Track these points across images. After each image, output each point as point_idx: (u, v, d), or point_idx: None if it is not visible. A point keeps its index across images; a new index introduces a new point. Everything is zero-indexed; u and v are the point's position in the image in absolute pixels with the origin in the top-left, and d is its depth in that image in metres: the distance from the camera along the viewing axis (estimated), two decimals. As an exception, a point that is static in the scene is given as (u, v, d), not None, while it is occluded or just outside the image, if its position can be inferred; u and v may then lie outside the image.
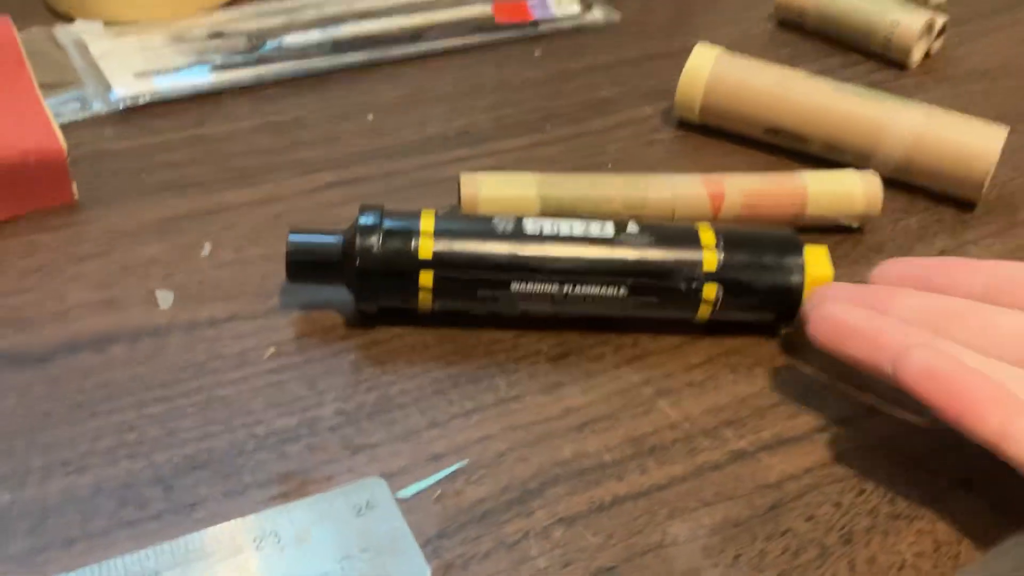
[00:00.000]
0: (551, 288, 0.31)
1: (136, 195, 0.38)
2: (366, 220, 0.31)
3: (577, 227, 0.32)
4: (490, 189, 0.37)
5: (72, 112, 0.42)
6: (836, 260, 0.37)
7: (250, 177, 0.40)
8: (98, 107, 0.43)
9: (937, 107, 0.41)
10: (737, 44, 0.52)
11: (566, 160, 0.42)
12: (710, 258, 0.31)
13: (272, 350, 0.31)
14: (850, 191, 0.38)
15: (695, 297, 0.32)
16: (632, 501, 0.28)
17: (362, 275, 0.31)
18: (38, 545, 0.25)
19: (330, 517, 0.26)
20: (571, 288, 0.31)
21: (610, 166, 0.42)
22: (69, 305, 0.33)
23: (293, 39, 0.48)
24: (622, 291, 0.31)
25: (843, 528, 0.27)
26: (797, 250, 0.32)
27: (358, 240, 0.31)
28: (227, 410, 0.29)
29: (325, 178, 0.40)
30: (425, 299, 0.31)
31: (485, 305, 0.32)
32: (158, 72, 0.45)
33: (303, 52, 0.47)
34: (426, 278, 0.31)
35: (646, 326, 0.33)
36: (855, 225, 0.38)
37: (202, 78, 0.45)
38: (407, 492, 0.27)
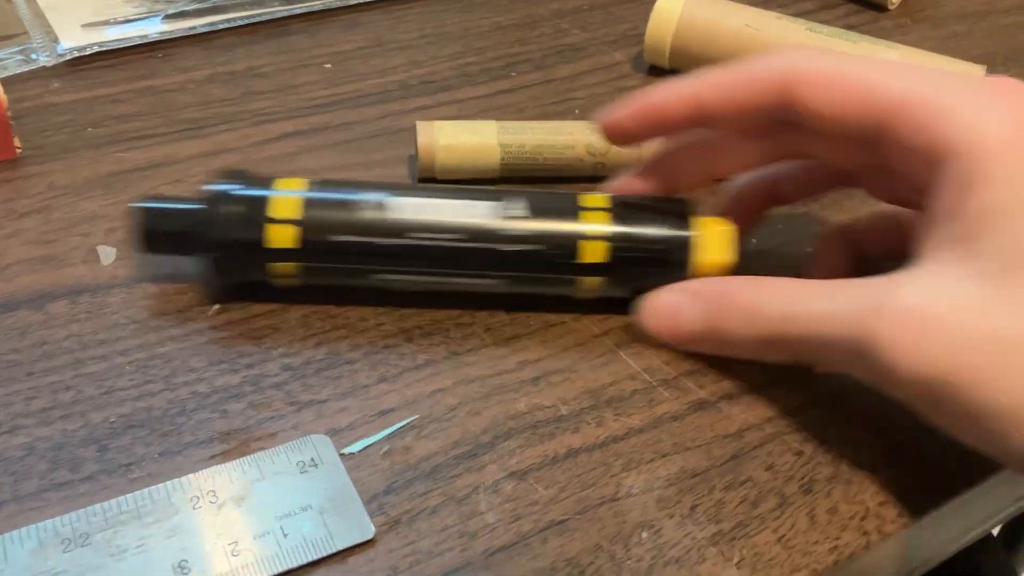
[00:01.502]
0: (428, 254, 0.29)
1: (82, 149, 0.37)
2: (220, 187, 0.29)
3: (456, 197, 0.29)
4: (448, 137, 0.35)
5: (16, 64, 0.41)
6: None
7: (202, 129, 0.38)
8: (44, 59, 0.41)
9: (913, 49, 0.40)
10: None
11: (531, 108, 0.41)
12: (596, 228, 0.29)
13: (217, 307, 0.30)
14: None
15: (578, 269, 0.29)
16: (587, 453, 0.27)
17: (215, 246, 0.28)
18: (-33, 508, 0.24)
19: (271, 475, 0.25)
20: (451, 251, 0.29)
21: (577, 113, 0.41)
22: (7, 262, 0.31)
23: (250, -14, 0.46)
24: (498, 275, 0.29)
25: (804, 478, 0.26)
26: (687, 219, 0.29)
27: (210, 209, 0.28)
28: (168, 368, 0.28)
29: (281, 128, 0.38)
30: (285, 273, 0.29)
31: (354, 279, 0.29)
32: (107, 23, 0.44)
33: None
34: (283, 242, 0.28)
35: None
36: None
37: (153, 28, 0.44)
38: (354, 448, 0.26)
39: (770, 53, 0.28)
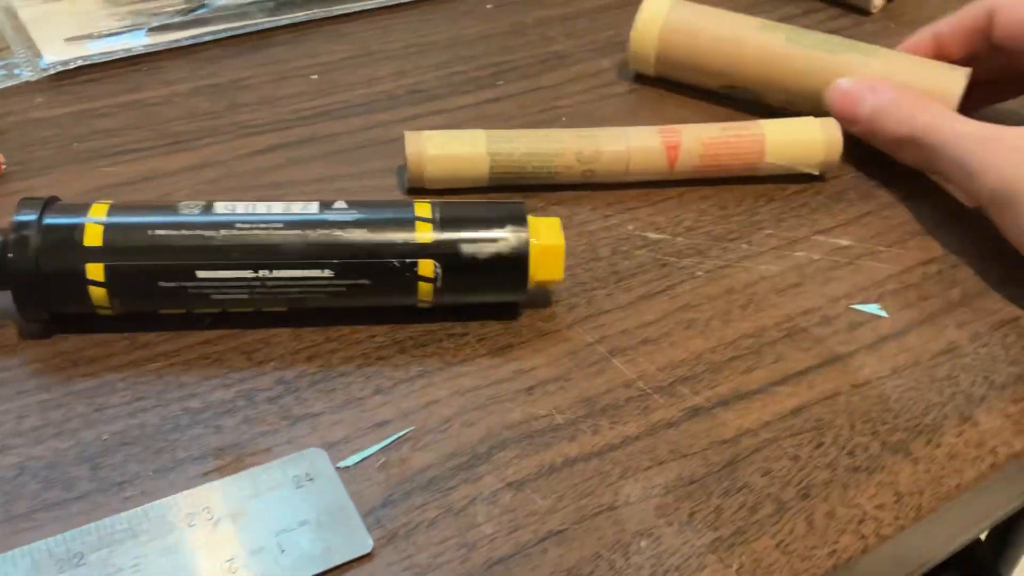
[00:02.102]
0: (245, 274, 0.28)
1: (67, 164, 0.36)
2: (23, 216, 0.28)
3: (276, 207, 0.29)
4: (436, 147, 0.35)
5: (-1, 80, 0.40)
6: (795, 210, 0.36)
7: (188, 142, 0.38)
8: (28, 74, 0.41)
9: (895, 52, 0.40)
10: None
11: (518, 117, 0.41)
12: (424, 233, 0.29)
13: (209, 320, 0.30)
14: (809, 139, 0.37)
15: (411, 276, 0.29)
16: (583, 462, 0.27)
17: (22, 278, 0.27)
18: (-42, 531, 0.24)
19: (267, 490, 0.25)
20: (268, 272, 0.28)
21: (564, 120, 0.41)
22: (-6, 280, 0.31)
23: (234, -2, 0.46)
24: (327, 272, 0.28)
25: (801, 483, 0.26)
26: (521, 221, 0.29)
27: (12, 239, 0.27)
28: (160, 384, 0.28)
29: (267, 141, 0.38)
30: (99, 297, 0.28)
31: (173, 301, 0.28)
32: (91, 36, 0.43)
33: (243, 11, 0.46)
34: (95, 272, 0.27)
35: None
36: (815, 172, 0.37)
37: (137, 41, 0.43)
38: (349, 461, 0.26)
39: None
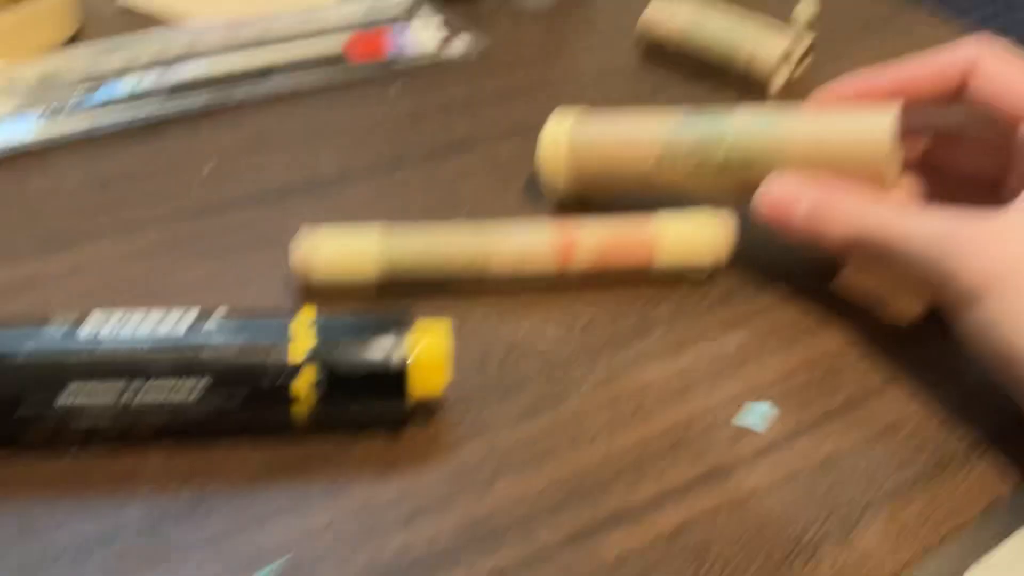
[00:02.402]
0: (109, 398, 0.27)
1: (-63, 269, 0.35)
2: None
3: (146, 324, 0.28)
4: (326, 247, 0.35)
5: None
6: (687, 310, 0.36)
7: (67, 242, 0.37)
8: (-98, 166, 0.39)
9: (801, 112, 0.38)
10: (606, 74, 0.52)
11: (418, 207, 0.40)
12: (298, 351, 0.28)
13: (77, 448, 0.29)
14: (700, 236, 0.37)
15: (284, 396, 0.28)
16: (461, 597, 0.26)
17: None
18: None
19: (124, 643, 0.24)
20: (132, 396, 0.27)
21: (467, 209, 0.40)
22: None
23: (129, 83, 0.45)
24: (195, 395, 0.27)
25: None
26: (402, 335, 0.29)
27: None
28: (21, 517, 0.27)
29: (151, 238, 0.37)
30: None
31: (29, 428, 0.28)
32: (-27, 124, 0.42)
33: (139, 97, 0.45)
34: None
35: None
36: (707, 271, 0.37)
37: (26, 129, 0.42)
38: (215, 604, 0.25)
39: (958, 44, 0.34)
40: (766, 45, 0.50)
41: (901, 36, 0.56)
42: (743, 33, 0.50)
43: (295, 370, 0.28)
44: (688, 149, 0.37)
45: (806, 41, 0.51)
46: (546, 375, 0.33)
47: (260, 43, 0.49)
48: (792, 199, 0.34)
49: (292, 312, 0.29)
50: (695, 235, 0.37)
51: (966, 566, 0.30)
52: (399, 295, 0.35)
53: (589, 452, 0.30)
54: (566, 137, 0.40)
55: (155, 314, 0.28)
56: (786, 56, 0.50)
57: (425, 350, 0.29)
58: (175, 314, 0.29)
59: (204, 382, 0.28)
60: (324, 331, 0.29)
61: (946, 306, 0.31)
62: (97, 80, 0.45)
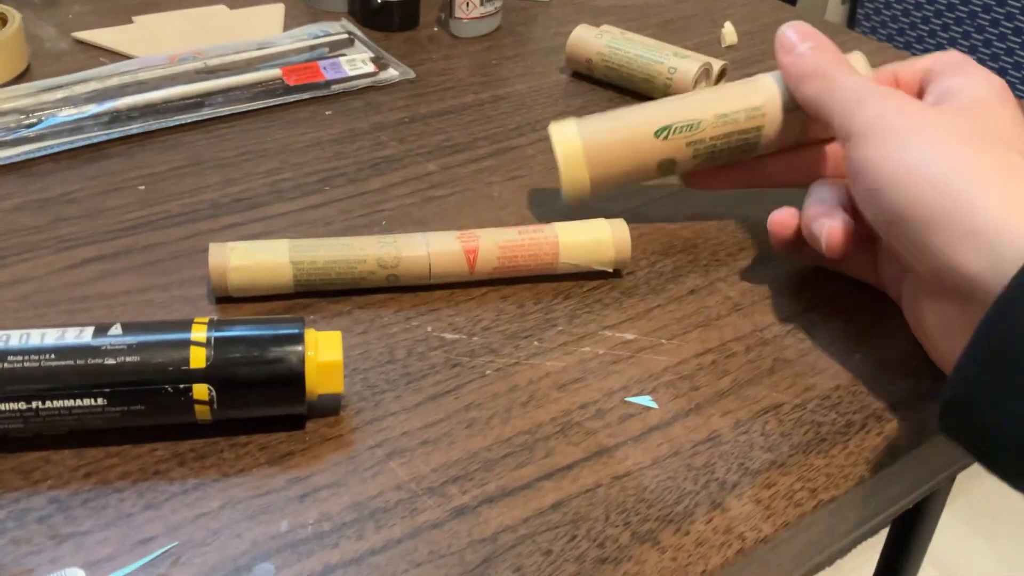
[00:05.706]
0: (19, 406, 0.29)
1: None
2: None
3: (50, 336, 0.30)
4: (239, 258, 0.37)
5: None
6: (589, 306, 0.38)
7: (2, 259, 0.39)
8: None
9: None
10: (534, 96, 0.54)
11: (339, 221, 0.42)
12: (198, 356, 0.30)
13: (-10, 441, 0.31)
14: (599, 239, 0.39)
15: (186, 400, 0.30)
16: (343, 569, 0.27)
17: None
18: None
19: (16, 615, 0.25)
20: (41, 404, 0.29)
21: (384, 224, 0.42)
22: None
23: (69, 113, 0.48)
24: (100, 400, 0.29)
25: (547, 578, 0.27)
26: (296, 339, 0.31)
27: None
28: (-73, 509, 0.28)
29: (84, 254, 0.39)
30: None
31: None
32: (-80, 155, 0.44)
33: (78, 125, 0.47)
34: None
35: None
36: (609, 270, 0.39)
37: (-32, 158, 0.44)
38: (108, 580, 0.27)
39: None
40: (685, 61, 0.52)
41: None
42: (661, 53, 0.53)
43: (195, 378, 0.30)
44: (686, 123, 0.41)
45: (723, 61, 0.54)
46: (449, 367, 0.35)
47: (201, 72, 0.51)
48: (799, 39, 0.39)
49: (191, 322, 0.31)
50: (596, 236, 0.39)
51: (846, 532, 0.32)
52: (311, 299, 0.37)
53: (482, 436, 0.32)
54: (579, 143, 0.40)
55: (55, 331, 0.30)
56: (705, 70, 0.52)
57: (325, 350, 0.31)
58: (77, 328, 0.30)
59: (108, 391, 0.29)
60: (222, 338, 0.31)
61: (844, 148, 0.36)
62: (38, 111, 0.47)
